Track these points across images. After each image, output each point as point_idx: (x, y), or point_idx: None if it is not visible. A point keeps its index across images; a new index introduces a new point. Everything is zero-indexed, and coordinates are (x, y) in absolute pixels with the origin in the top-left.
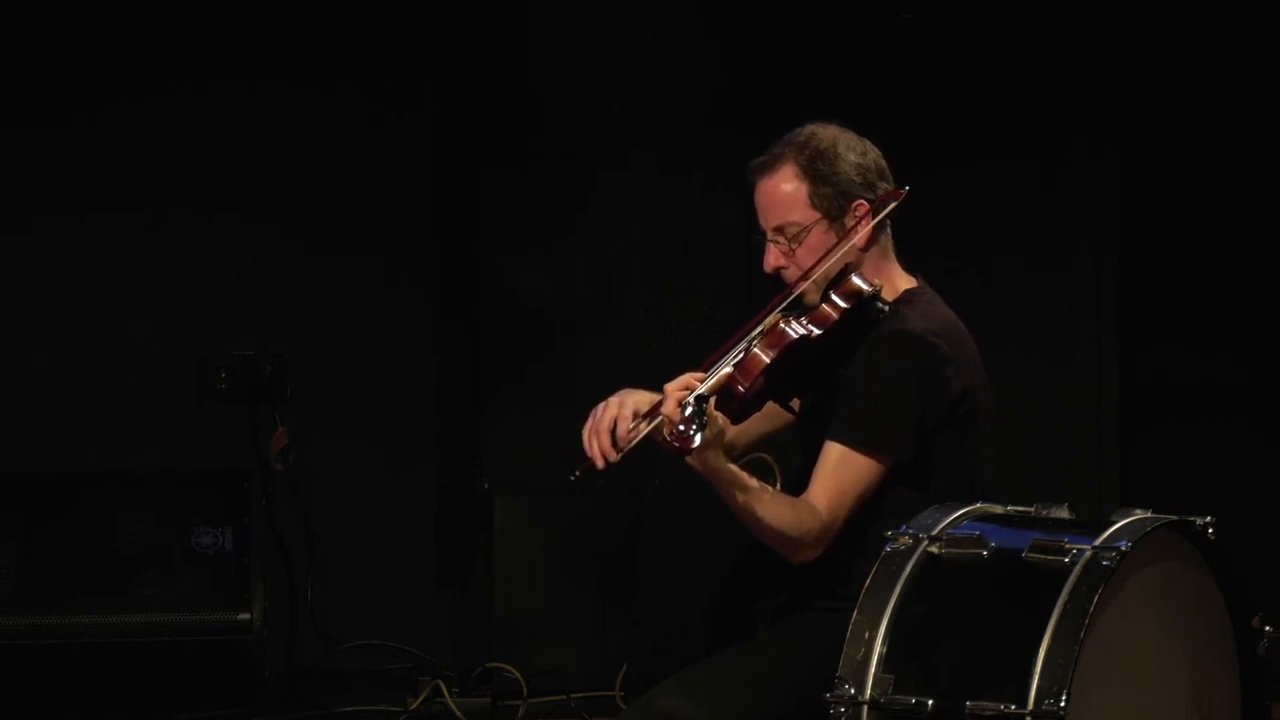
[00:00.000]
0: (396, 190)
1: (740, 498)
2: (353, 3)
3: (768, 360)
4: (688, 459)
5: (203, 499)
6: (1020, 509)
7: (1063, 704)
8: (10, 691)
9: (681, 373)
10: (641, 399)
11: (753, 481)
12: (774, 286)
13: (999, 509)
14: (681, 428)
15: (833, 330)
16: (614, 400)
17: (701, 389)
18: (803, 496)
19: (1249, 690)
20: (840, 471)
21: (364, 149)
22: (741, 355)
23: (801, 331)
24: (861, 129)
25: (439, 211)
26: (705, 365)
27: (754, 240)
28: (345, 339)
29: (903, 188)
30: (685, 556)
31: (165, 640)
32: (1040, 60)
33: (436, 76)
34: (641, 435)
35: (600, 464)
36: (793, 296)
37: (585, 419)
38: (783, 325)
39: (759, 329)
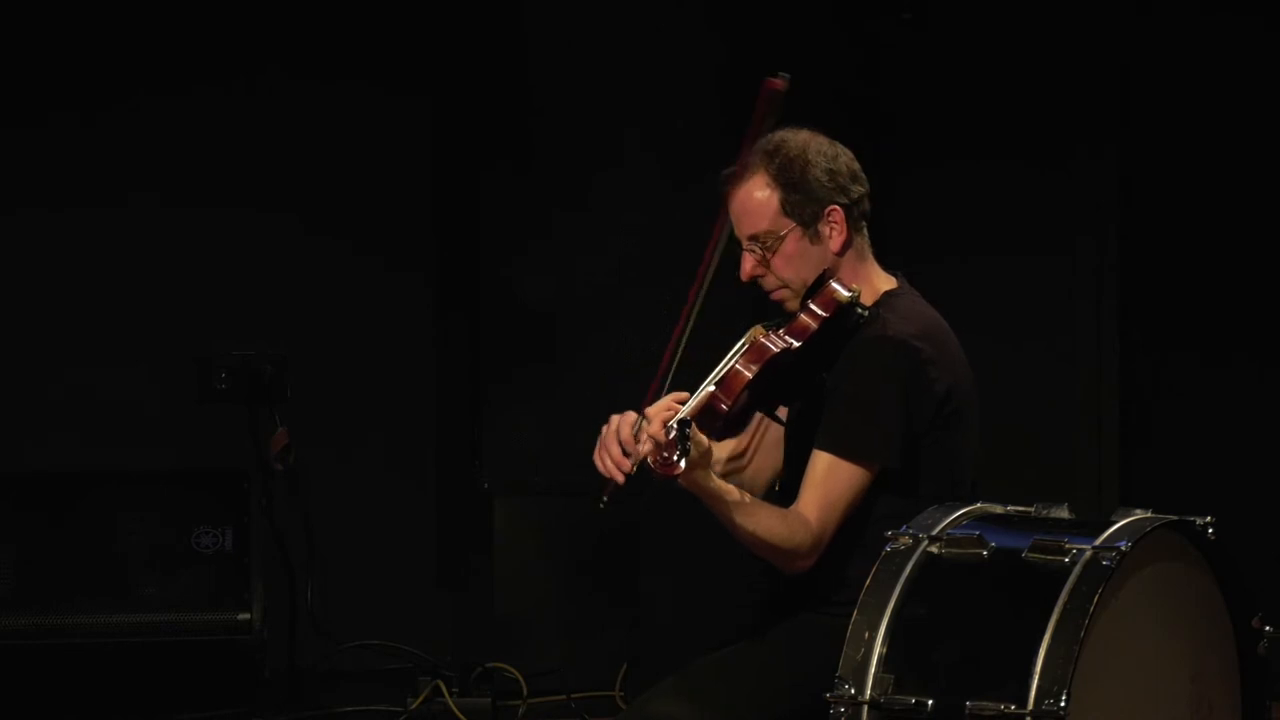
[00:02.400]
0: (397, 191)
1: (730, 513)
2: (354, 1)
3: (750, 376)
4: (658, 483)
5: (203, 499)
6: (1020, 509)
7: (1063, 704)
8: (10, 691)
9: (679, 376)
10: (636, 417)
11: (742, 496)
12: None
13: (999, 509)
14: (665, 454)
15: (813, 339)
16: (614, 418)
17: (683, 412)
18: (792, 507)
19: (1249, 690)
20: (828, 481)
21: (364, 149)
22: (723, 373)
23: (782, 345)
24: (861, 128)
25: (439, 212)
26: (652, 386)
27: (732, 249)
28: (345, 339)
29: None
30: (685, 558)
31: (165, 640)
32: (1039, 59)
33: (435, 80)
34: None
35: (620, 478)
36: (697, 300)
37: (588, 425)
38: (763, 339)
39: (741, 347)
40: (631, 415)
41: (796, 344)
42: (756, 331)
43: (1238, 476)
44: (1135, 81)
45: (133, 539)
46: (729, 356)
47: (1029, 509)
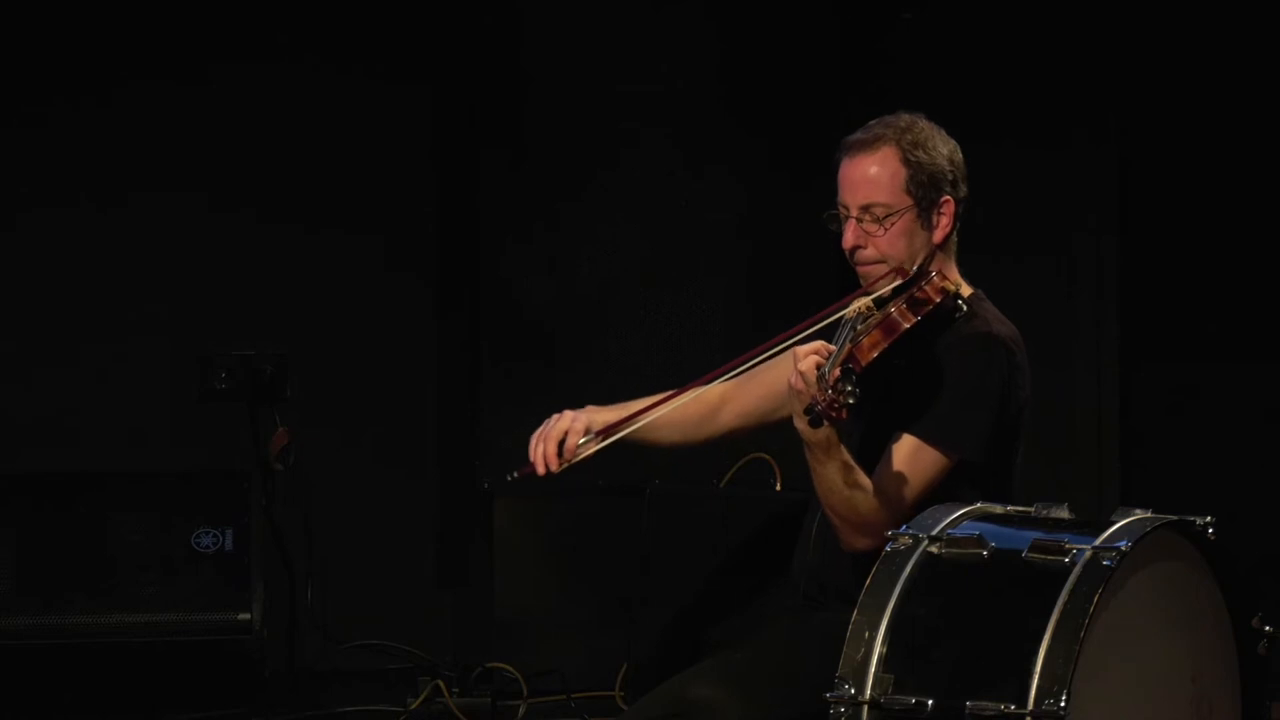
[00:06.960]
0: (397, 191)
1: (831, 470)
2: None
3: (885, 346)
4: (813, 427)
5: (203, 499)
6: (1020, 509)
7: (1063, 704)
8: (10, 691)
9: (679, 372)
10: (597, 417)
11: (849, 458)
12: (771, 288)
13: (999, 509)
14: (840, 398)
15: (923, 321)
16: (570, 413)
17: (834, 360)
18: (873, 482)
19: (1249, 690)
20: (911, 463)
21: (365, 149)
22: (860, 336)
23: (912, 321)
24: (861, 123)
25: (440, 211)
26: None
27: (823, 216)
28: (345, 339)
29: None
30: (686, 558)
31: (165, 640)
32: (1039, 59)
33: (435, 81)
34: (589, 452)
35: (541, 470)
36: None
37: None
38: (895, 314)
39: (863, 317)
40: (584, 419)
41: (916, 320)
42: (866, 304)
43: (1238, 476)
44: (1135, 79)
45: (133, 539)
46: (848, 323)
47: (1029, 509)
